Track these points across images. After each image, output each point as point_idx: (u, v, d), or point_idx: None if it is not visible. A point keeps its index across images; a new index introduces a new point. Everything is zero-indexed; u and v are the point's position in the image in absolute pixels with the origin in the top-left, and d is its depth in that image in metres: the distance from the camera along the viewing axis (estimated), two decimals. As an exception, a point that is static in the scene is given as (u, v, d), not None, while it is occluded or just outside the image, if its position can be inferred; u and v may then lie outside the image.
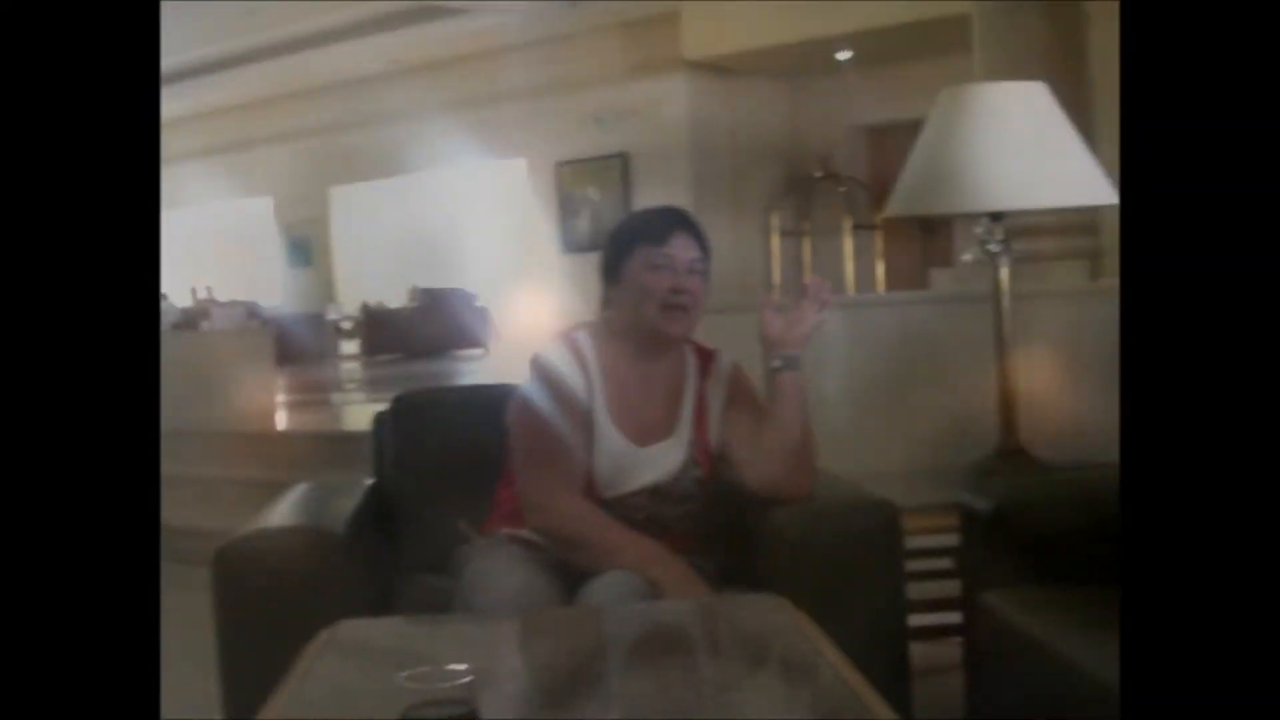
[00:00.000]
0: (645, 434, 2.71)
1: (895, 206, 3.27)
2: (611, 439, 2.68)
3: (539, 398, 2.68)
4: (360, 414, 9.29)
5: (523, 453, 2.69)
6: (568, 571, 2.56)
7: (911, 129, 12.98)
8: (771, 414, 2.68)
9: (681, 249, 2.67)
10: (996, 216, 3.20)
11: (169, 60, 16.73)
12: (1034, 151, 3.11)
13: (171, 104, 19.16)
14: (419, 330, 16.89)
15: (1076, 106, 3.90)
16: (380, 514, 3.02)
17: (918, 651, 2.79)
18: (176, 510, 7.07)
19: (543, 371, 2.70)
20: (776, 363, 2.67)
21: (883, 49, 13.02)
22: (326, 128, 18.85)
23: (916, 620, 2.88)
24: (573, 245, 15.84)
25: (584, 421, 2.68)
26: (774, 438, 2.66)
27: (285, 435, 7.71)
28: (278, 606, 2.44)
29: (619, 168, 15.38)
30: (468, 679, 1.28)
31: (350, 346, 18.26)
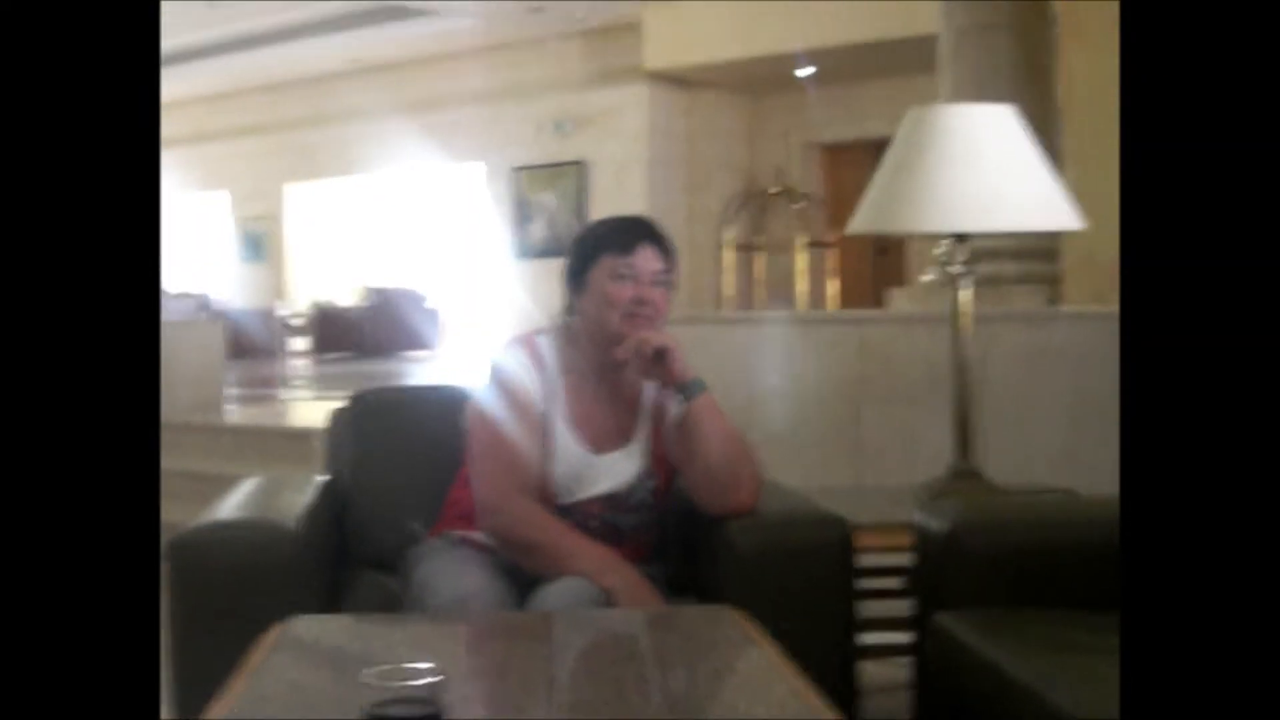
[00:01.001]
0: (602, 442, 2.71)
1: (860, 224, 3.27)
2: (568, 445, 2.68)
3: (497, 400, 2.67)
4: (307, 411, 9.25)
5: (479, 454, 2.67)
6: (519, 576, 2.55)
7: (868, 147, 13.09)
8: (691, 443, 2.64)
9: (645, 260, 2.66)
10: (960, 238, 3.21)
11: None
12: (1000, 174, 3.12)
13: (129, 93, 19.04)
14: (369, 329, 16.85)
15: (1043, 130, 3.93)
16: (333, 510, 3.00)
17: (865, 670, 2.79)
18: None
19: (502, 374, 2.69)
20: (680, 397, 2.64)
21: (842, 67, 13.10)
22: (284, 124, 18.80)
23: (865, 639, 2.88)
24: (527, 251, 15.84)
25: (541, 426, 2.67)
26: (700, 464, 2.64)
27: (234, 429, 7.66)
28: (231, 599, 2.43)
29: (576, 175, 15.40)
30: (434, 678, 1.26)
31: (300, 343, 18.15)
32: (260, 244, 19.67)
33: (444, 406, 3.09)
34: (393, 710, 1.23)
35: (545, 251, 15.50)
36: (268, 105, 18.98)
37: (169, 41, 16.27)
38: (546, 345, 2.75)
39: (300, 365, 16.04)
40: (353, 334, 17.01)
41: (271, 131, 19.05)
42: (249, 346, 15.63)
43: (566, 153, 15.49)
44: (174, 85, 18.58)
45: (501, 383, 2.68)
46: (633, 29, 14.16)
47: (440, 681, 1.27)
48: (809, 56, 13.00)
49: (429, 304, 17.64)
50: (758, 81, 14.32)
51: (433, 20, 14.86)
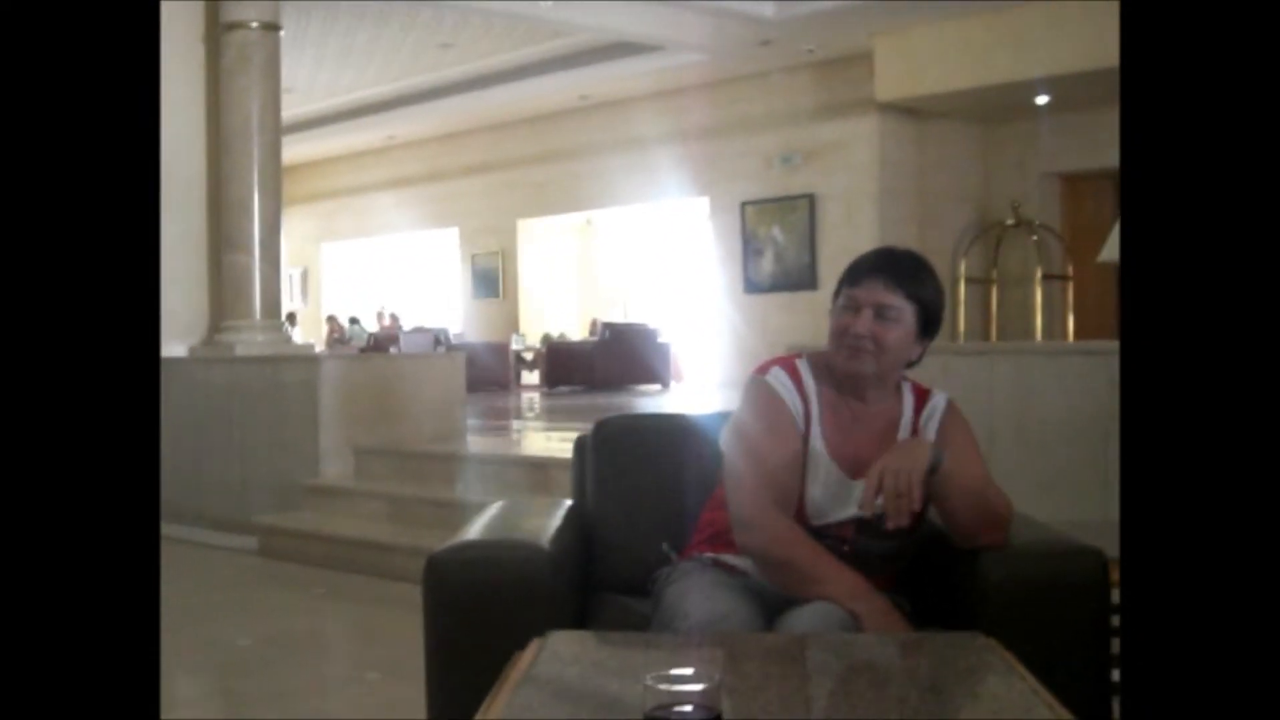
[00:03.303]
0: (858, 466, 2.69)
1: (1114, 251, 3.20)
2: (825, 467, 2.67)
3: (757, 418, 2.68)
4: (541, 442, 9.40)
5: (737, 471, 2.67)
6: (770, 599, 2.55)
7: (1108, 177, 12.66)
8: (937, 503, 2.62)
9: (869, 292, 2.64)
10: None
11: (366, 94, 17.21)
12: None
13: (366, 135, 19.75)
14: (599, 363, 17.01)
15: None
16: (578, 534, 3.04)
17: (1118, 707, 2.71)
18: (369, 525, 7.24)
19: (762, 393, 2.70)
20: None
21: (1080, 94, 12.80)
22: (514, 162, 19.18)
23: (1118, 674, 2.79)
24: (755, 285, 15.83)
25: (799, 447, 2.67)
26: (948, 517, 2.63)
27: (474, 458, 7.81)
28: (484, 617, 2.48)
29: (805, 208, 15.35)
30: (713, 682, 1.27)
31: (531, 377, 18.46)
32: (492, 279, 20.08)
33: (685, 433, 3.14)
34: (674, 714, 1.24)
35: (774, 286, 15.50)
36: (497, 143, 19.40)
37: (403, 83, 16.80)
38: (805, 368, 2.75)
39: (532, 398, 16.29)
40: (583, 368, 17.20)
41: (501, 169, 19.47)
42: (483, 379, 15.95)
43: (795, 186, 15.46)
44: (408, 126, 19.21)
45: (761, 402, 2.69)
46: (863, 60, 14.09)
47: (719, 684, 1.28)
48: (1045, 84, 12.76)
49: (661, 338, 17.74)
50: (991, 110, 14.10)
51: (660, 56, 15.02)
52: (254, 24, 8.89)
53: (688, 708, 1.23)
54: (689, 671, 1.33)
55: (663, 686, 1.25)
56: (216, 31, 9.05)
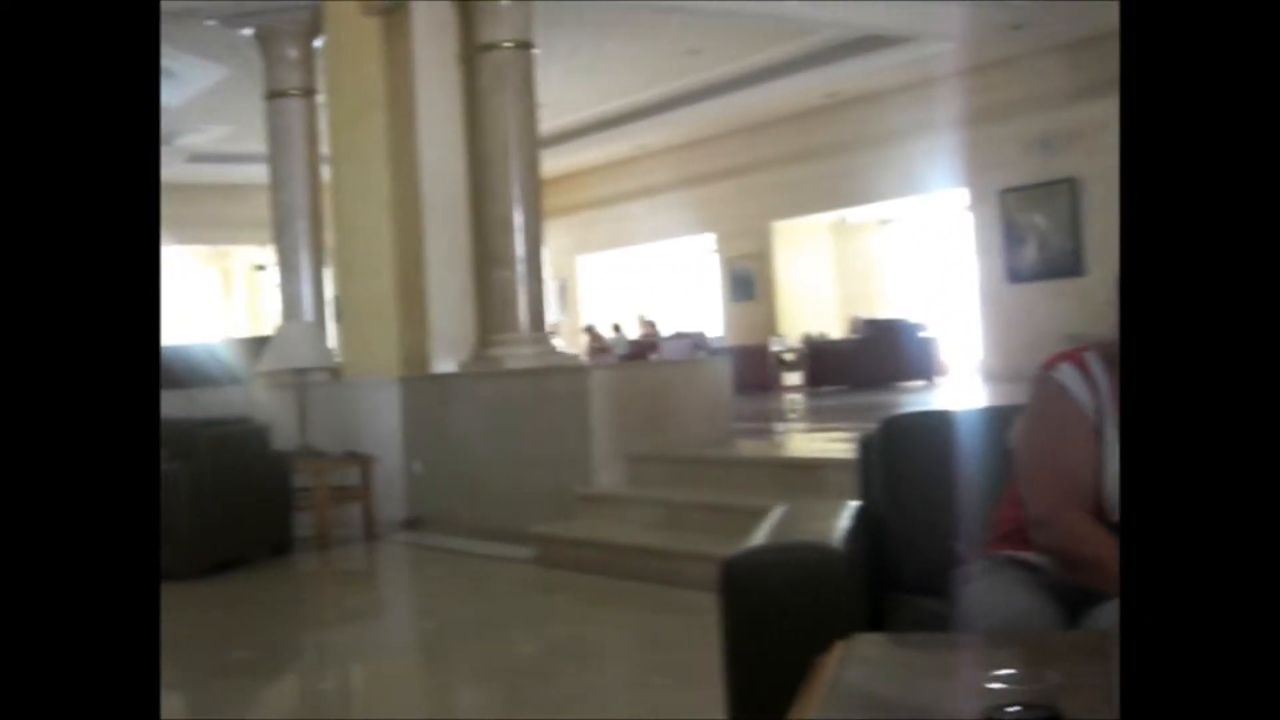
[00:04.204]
0: (1154, 457, 2.59)
1: None
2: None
3: (1048, 414, 2.61)
4: (809, 443, 9.35)
5: (1031, 469, 2.62)
6: (1070, 596, 2.48)
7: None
8: None
9: None
10: None
11: (615, 104, 17.42)
12: None
13: (617, 145, 20.00)
14: (862, 361, 16.85)
15: None
16: (868, 534, 3.01)
17: None
18: (644, 531, 7.30)
19: (1052, 389, 2.63)
20: None
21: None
22: (766, 163, 19.20)
23: None
24: (1019, 275, 15.50)
25: (1093, 443, 2.58)
26: None
27: (745, 461, 7.81)
28: (783, 618, 2.47)
29: (1067, 193, 14.98)
30: (1056, 682, 1.24)
31: (791, 378, 18.40)
32: (748, 281, 20.12)
33: (972, 428, 3.06)
34: (1011, 714, 1.21)
35: (1039, 274, 15.16)
36: (748, 146, 19.44)
37: (651, 92, 16.93)
38: (1095, 361, 2.66)
39: (795, 399, 16.22)
40: (846, 366, 17.06)
41: (753, 171, 19.50)
42: (744, 382, 15.97)
43: (1055, 170, 15.11)
44: (658, 133, 19.38)
45: (1052, 397, 2.62)
46: (1116, 37, 13.66)
47: (1058, 684, 1.24)
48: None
49: (923, 333, 17.46)
50: (1261, 79, 13.51)
51: (910, 48, 14.85)
52: (508, 43, 9.08)
53: (1024, 708, 1.20)
54: (1017, 671, 1.29)
55: (1001, 686, 1.21)
56: (472, 53, 9.27)
